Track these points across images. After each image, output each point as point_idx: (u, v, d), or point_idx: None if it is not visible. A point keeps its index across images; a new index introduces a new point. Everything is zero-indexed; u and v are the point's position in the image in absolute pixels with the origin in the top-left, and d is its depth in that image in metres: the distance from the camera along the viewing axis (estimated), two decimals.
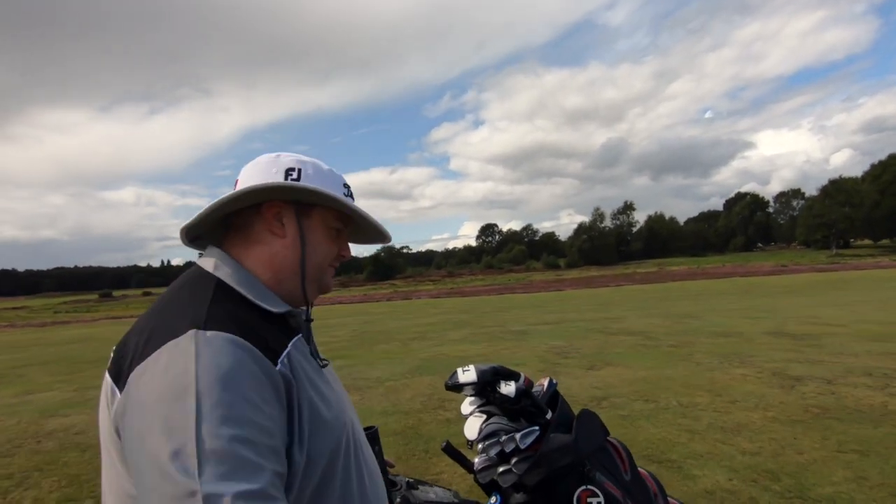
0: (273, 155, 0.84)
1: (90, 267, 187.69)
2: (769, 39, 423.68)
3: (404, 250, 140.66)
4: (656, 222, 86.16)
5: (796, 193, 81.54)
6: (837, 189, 56.94)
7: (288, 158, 0.83)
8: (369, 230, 0.92)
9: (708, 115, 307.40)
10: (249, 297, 0.76)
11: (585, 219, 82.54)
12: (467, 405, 1.24)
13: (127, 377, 0.66)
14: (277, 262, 0.81)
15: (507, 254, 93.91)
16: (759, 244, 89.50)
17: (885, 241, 61.58)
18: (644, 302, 16.64)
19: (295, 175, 0.81)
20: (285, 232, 0.81)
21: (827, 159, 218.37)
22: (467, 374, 1.18)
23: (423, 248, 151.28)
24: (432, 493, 1.20)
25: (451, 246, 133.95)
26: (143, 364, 0.65)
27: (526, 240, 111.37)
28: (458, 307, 19.34)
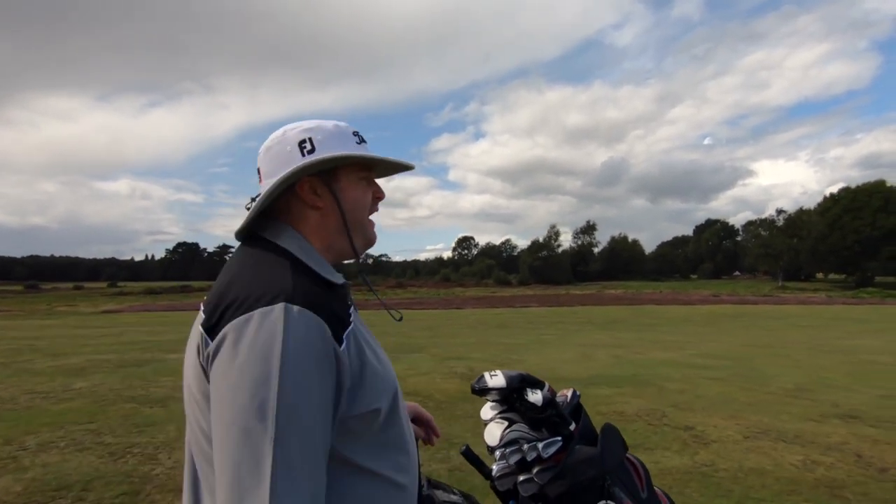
0: (279, 133, 0.89)
1: (66, 257, 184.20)
2: (772, 69, 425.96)
3: (382, 258, 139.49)
4: (618, 244, 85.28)
5: (763, 223, 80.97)
6: (787, 220, 56.19)
7: (294, 132, 0.88)
8: (392, 164, 0.96)
9: (707, 141, 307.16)
10: (317, 270, 0.84)
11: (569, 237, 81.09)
12: (488, 410, 1.23)
13: (217, 330, 0.74)
14: (324, 231, 0.89)
15: (471, 268, 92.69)
16: (738, 272, 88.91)
17: (834, 276, 60.88)
18: (464, 328, 15.60)
19: (308, 146, 0.87)
20: (323, 202, 0.88)
21: (822, 192, 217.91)
22: (496, 380, 1.16)
23: (413, 258, 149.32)
24: (455, 496, 1.13)
25: (444, 256, 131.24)
26: (235, 322, 0.73)
27: (504, 255, 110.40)
28: None
